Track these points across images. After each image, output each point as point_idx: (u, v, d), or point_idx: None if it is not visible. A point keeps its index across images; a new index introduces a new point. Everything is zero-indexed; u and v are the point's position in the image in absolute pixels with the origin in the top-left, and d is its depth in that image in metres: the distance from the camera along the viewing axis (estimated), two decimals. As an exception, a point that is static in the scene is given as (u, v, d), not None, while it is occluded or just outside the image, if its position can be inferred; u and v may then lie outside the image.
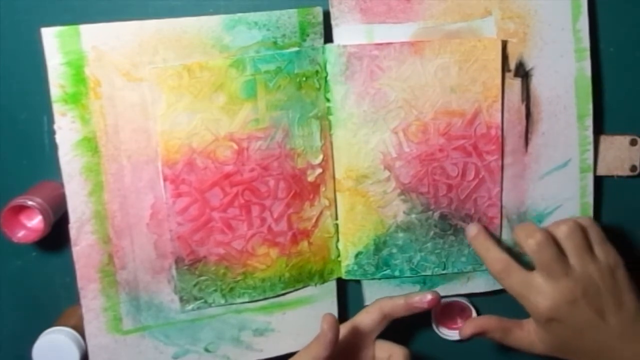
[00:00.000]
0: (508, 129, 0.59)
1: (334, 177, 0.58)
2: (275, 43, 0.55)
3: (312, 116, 0.57)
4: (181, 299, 0.57)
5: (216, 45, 0.54)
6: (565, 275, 0.52)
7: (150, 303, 0.56)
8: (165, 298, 0.57)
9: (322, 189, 0.58)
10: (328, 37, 0.57)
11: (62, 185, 0.53)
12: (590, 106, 0.60)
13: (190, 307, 0.57)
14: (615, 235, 0.57)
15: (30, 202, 0.53)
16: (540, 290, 0.53)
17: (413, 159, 0.58)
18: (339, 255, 0.60)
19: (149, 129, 0.54)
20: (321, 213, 0.59)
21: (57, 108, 0.52)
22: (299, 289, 0.59)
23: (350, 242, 0.59)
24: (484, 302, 0.64)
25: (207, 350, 0.58)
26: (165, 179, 0.54)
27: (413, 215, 0.59)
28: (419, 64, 0.57)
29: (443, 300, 0.63)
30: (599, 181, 0.63)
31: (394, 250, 0.60)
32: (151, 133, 0.54)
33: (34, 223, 0.56)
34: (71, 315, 0.58)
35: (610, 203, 0.64)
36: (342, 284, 0.62)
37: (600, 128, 0.62)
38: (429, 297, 0.57)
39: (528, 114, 0.59)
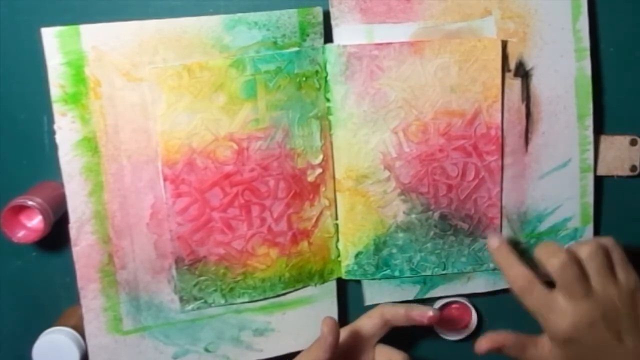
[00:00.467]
0: (508, 129, 0.59)
1: (334, 177, 0.58)
2: (275, 43, 0.55)
3: (312, 116, 0.57)
4: (181, 299, 0.57)
5: (216, 45, 0.54)
6: (585, 296, 0.52)
7: (150, 303, 0.56)
8: (165, 298, 0.57)
9: (322, 189, 0.58)
10: (328, 37, 0.57)
11: (62, 185, 0.53)
12: (590, 106, 0.60)
13: (190, 307, 0.57)
14: (615, 235, 0.57)
15: (30, 202, 0.53)
16: (560, 310, 0.52)
17: (413, 159, 0.58)
18: (339, 255, 0.60)
19: (149, 129, 0.54)
20: (321, 213, 0.59)
21: (57, 108, 0.52)
22: (299, 289, 0.59)
23: (350, 242, 0.59)
24: (484, 302, 0.64)
25: (207, 350, 0.58)
26: (165, 179, 0.54)
27: (413, 216, 0.59)
28: (418, 64, 0.57)
29: (443, 300, 0.63)
30: (599, 181, 0.63)
31: (394, 251, 0.60)
32: (151, 133, 0.54)
33: (34, 223, 0.55)
34: (71, 315, 0.58)
35: (610, 203, 0.64)
36: (342, 284, 0.62)
37: (600, 128, 0.62)
38: (429, 314, 0.56)
39: (528, 114, 0.59)
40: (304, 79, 0.56)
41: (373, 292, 0.61)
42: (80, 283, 0.54)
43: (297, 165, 0.57)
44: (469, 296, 0.63)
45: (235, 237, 0.56)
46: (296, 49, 0.55)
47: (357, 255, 0.60)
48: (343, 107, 0.57)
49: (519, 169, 0.60)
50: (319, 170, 0.58)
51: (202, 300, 0.57)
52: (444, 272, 0.61)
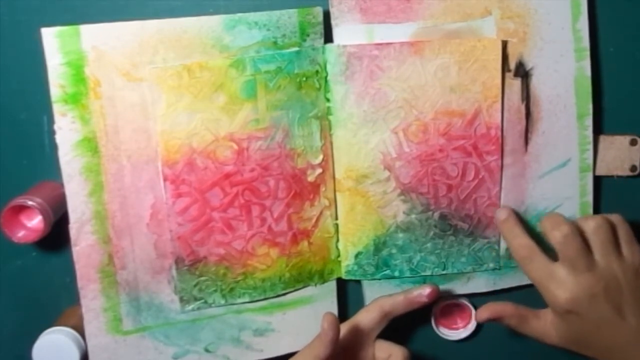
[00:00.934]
0: (508, 129, 0.59)
1: (334, 177, 0.58)
2: (275, 43, 0.55)
3: (312, 116, 0.57)
4: (181, 299, 0.57)
5: (216, 45, 0.54)
6: (587, 270, 0.52)
7: (150, 303, 0.56)
8: (165, 298, 0.57)
9: (322, 189, 0.58)
10: (328, 37, 0.57)
11: (62, 185, 0.53)
12: (590, 106, 0.60)
13: (190, 307, 0.57)
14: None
15: (30, 202, 0.53)
16: (561, 282, 0.52)
17: (413, 159, 0.58)
18: (339, 255, 0.60)
19: (149, 129, 0.54)
20: (321, 213, 0.59)
21: (57, 108, 0.52)
22: (299, 289, 0.59)
23: (350, 242, 0.59)
24: (484, 302, 0.64)
25: (207, 350, 0.58)
26: (165, 179, 0.54)
27: (413, 216, 0.59)
28: (418, 64, 0.57)
29: (443, 300, 0.63)
30: (598, 181, 0.63)
31: (394, 251, 0.60)
32: (151, 133, 0.54)
33: (34, 223, 0.55)
34: (71, 315, 0.58)
35: (610, 203, 0.64)
36: (342, 284, 0.62)
37: (600, 128, 0.62)
38: (428, 290, 0.57)
39: (528, 114, 0.59)
40: (304, 79, 0.56)
41: (373, 292, 0.61)
42: (80, 283, 0.54)
43: (297, 165, 0.57)
44: (469, 296, 0.63)
45: (236, 237, 0.56)
46: (296, 49, 0.55)
47: (357, 256, 0.60)
48: (343, 107, 0.57)
49: (519, 169, 0.60)
50: (319, 170, 0.58)
51: (202, 301, 0.57)
52: (443, 272, 0.61)
